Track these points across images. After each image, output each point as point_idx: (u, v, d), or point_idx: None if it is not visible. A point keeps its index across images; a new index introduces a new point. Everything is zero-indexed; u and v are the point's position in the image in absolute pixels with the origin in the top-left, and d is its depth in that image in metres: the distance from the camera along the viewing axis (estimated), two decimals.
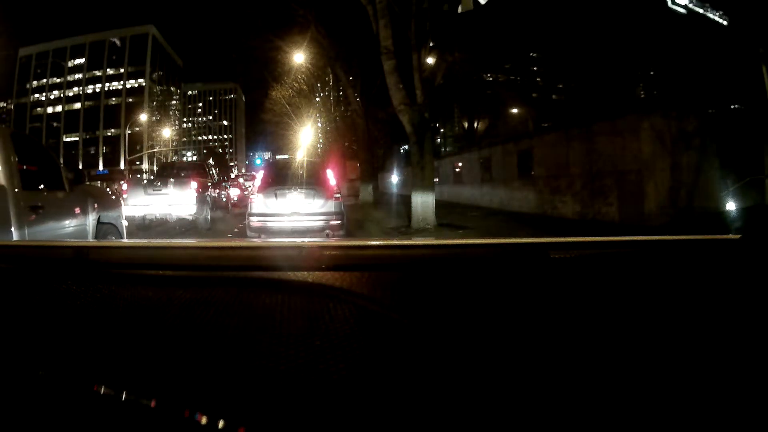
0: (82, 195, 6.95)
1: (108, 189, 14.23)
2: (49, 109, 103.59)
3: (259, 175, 12.63)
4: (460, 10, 13.76)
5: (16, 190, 5.47)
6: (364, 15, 14.26)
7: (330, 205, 10.86)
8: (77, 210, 6.71)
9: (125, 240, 7.54)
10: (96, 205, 7.17)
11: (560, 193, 14.99)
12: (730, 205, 11.27)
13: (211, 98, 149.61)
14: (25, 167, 5.80)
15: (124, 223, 8.28)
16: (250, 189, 28.13)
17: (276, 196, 10.99)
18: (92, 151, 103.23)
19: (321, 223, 10.66)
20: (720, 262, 1.41)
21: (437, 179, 17.41)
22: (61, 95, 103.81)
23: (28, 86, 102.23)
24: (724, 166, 11.51)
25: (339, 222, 10.74)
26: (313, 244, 1.69)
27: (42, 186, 6.19)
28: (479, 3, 13.52)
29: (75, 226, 6.60)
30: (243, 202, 24.87)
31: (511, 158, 18.80)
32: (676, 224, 10.52)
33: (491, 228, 13.74)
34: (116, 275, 1.46)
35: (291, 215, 10.78)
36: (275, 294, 1.21)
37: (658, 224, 10.96)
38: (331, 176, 11.61)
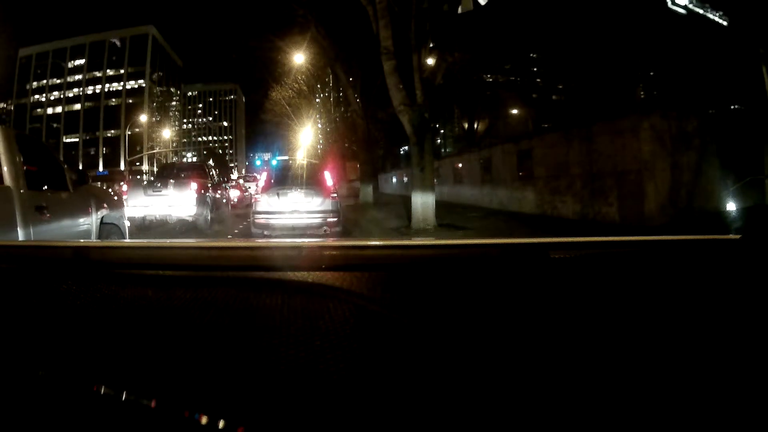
0: (86, 195, 6.97)
1: (110, 190, 14.19)
2: (49, 110, 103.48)
3: (263, 176, 13.61)
4: (460, 10, 13.78)
5: (22, 190, 5.49)
6: (364, 15, 14.27)
7: (327, 204, 11.67)
8: (81, 210, 6.73)
9: (126, 240, 7.53)
10: (99, 206, 7.19)
11: (560, 194, 15.00)
12: (731, 206, 11.29)
13: (211, 99, 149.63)
14: (30, 168, 5.81)
15: (127, 223, 8.30)
16: (250, 190, 28.22)
17: (278, 195, 11.79)
18: (92, 152, 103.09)
19: (319, 220, 11.50)
20: (720, 262, 1.40)
21: (437, 180, 17.39)
22: (61, 96, 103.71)
23: (28, 87, 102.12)
24: (724, 166, 11.52)
25: (335, 219, 11.59)
26: (313, 244, 1.70)
27: (46, 187, 6.20)
28: (479, 3, 13.52)
29: (79, 227, 6.62)
30: (243, 202, 24.95)
31: (511, 159, 18.79)
32: (677, 224, 10.52)
33: (492, 228, 13.74)
34: (116, 275, 1.46)
35: (292, 213, 11.60)
36: (275, 294, 1.21)
37: (659, 224, 10.97)
38: (328, 177, 12.33)
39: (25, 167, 5.69)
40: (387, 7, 13.05)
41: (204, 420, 0.82)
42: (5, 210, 5.30)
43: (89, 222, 6.89)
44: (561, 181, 15.01)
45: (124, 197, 13.13)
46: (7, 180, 5.42)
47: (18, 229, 5.33)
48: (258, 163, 68.06)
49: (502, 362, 0.92)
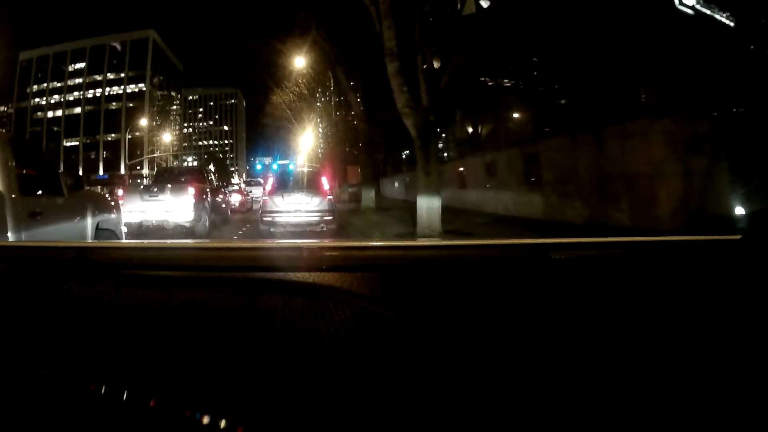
0: (81, 201, 6.80)
1: (108, 194, 13.92)
2: (50, 114, 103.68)
3: (269, 181, 15.67)
4: (463, 13, 13.69)
5: (14, 195, 5.34)
6: (366, 17, 14.10)
7: (324, 204, 13.77)
8: (76, 216, 6.57)
9: (126, 241, 7.47)
10: (95, 211, 7.02)
11: (569, 199, 14.76)
12: (740, 209, 11.11)
13: (211, 103, 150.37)
14: (23, 172, 5.68)
15: (124, 229, 8.13)
16: (252, 194, 28.39)
17: (283, 197, 13.85)
18: (92, 156, 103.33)
19: (317, 218, 13.59)
20: (720, 263, 1.40)
21: (441, 184, 17.32)
22: (62, 99, 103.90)
23: (28, 90, 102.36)
24: (733, 169, 11.36)
25: (331, 218, 13.70)
26: (314, 245, 1.72)
27: (40, 191, 6.07)
28: (481, 6, 13.44)
29: (73, 233, 6.45)
30: (245, 206, 25.07)
31: (517, 163, 18.57)
32: (689, 229, 10.33)
33: (499, 234, 13.54)
34: (117, 276, 1.46)
35: (294, 212, 13.64)
36: (275, 294, 1.21)
37: (671, 229, 10.78)
38: (325, 181, 14.37)
39: (19, 171, 5.55)
40: (390, 6, 12.83)
41: (205, 420, 0.82)
42: None
43: (84, 228, 6.72)
44: (569, 185, 14.77)
45: (121, 202, 12.84)
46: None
47: (9, 234, 5.17)
48: (259, 167, 68.12)
49: (503, 363, 0.92)
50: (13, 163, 5.49)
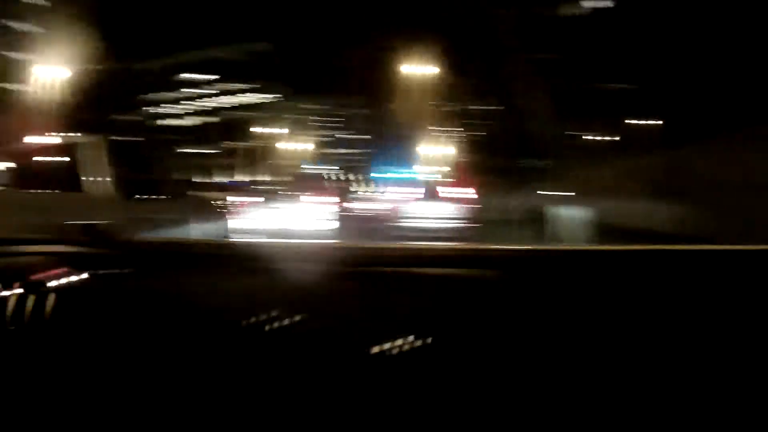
0: (187, 205, 6.78)
1: (223, 200, 14.10)
2: (169, 122, 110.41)
3: (405, 189, 17.18)
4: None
5: (105, 197, 5.24)
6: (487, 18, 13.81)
7: (459, 211, 14.22)
8: (181, 220, 6.43)
9: (255, 239, 7.93)
10: (201, 216, 6.92)
11: (716, 211, 13.49)
12: None
13: (340, 112, 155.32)
14: (127, 176, 5.68)
15: (245, 237, 8.18)
16: (386, 202, 28.73)
17: (415, 204, 14.87)
18: (213, 163, 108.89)
19: (452, 225, 13.87)
20: None
21: (574, 193, 17.15)
22: (181, 109, 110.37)
23: (147, 99, 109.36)
24: None
25: (466, 225, 13.83)
26: (443, 247, 2.06)
27: (145, 195, 6.09)
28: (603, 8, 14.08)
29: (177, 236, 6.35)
30: (381, 215, 25.01)
31: (653, 170, 17.35)
32: None
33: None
34: (242, 268, 1.70)
35: (432, 219, 14.12)
36: (393, 286, 1.48)
37: None
38: (457, 189, 15.36)
39: (122, 175, 5.56)
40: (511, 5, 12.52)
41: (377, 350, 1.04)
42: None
43: (188, 233, 6.58)
44: (718, 196, 13.50)
45: (245, 209, 12.85)
46: (100, 188, 5.24)
47: None
48: (387, 176, 69.15)
49: (520, 364, 0.97)
50: (115, 168, 5.47)
